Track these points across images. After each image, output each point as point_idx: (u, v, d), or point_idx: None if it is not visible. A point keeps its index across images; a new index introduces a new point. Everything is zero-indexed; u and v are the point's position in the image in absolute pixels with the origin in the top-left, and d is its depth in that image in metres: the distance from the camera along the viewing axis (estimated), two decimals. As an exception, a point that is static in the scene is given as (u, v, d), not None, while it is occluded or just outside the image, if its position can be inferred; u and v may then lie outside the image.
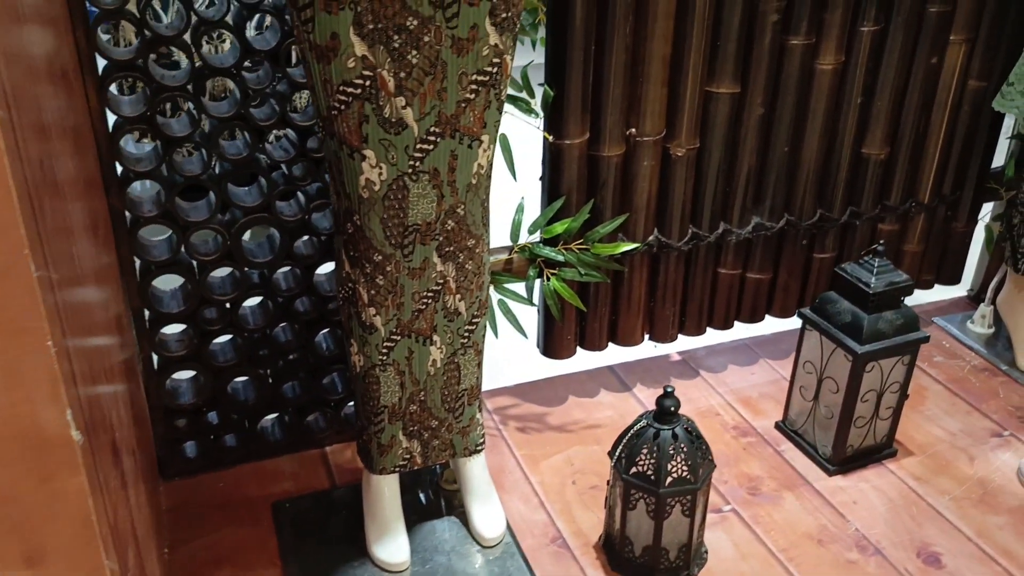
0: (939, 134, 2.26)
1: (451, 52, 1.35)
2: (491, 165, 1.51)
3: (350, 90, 1.33)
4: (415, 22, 1.31)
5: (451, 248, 1.52)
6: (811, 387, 2.00)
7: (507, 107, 1.88)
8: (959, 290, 2.66)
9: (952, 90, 2.21)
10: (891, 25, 2.06)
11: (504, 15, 1.36)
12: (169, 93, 1.58)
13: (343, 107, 1.34)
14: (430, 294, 1.54)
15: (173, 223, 1.70)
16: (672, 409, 1.61)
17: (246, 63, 1.62)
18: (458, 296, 1.57)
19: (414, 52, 1.33)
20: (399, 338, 1.57)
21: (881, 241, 1.96)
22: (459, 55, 1.36)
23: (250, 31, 1.61)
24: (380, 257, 1.48)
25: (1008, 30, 2.19)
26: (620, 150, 1.97)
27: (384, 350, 1.57)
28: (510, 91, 1.89)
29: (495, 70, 1.40)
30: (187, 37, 1.56)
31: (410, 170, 1.41)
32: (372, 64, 1.32)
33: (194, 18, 1.55)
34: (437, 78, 1.36)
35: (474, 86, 1.39)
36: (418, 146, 1.40)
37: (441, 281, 1.54)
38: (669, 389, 1.61)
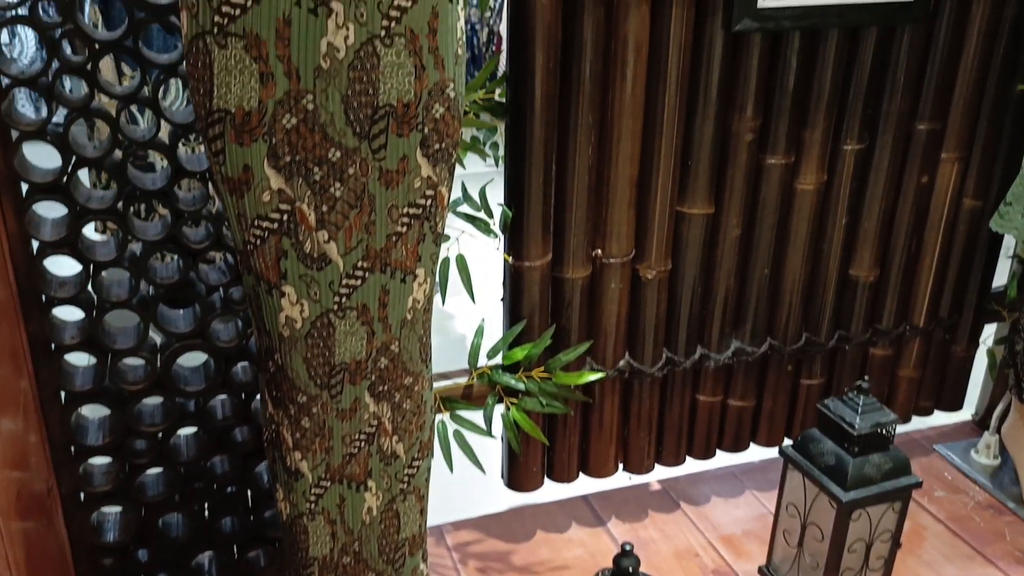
0: (933, 255, 2.13)
1: (379, 184, 1.25)
2: (430, 299, 1.40)
3: (266, 224, 1.23)
4: (338, 154, 1.21)
5: (385, 387, 1.39)
6: (795, 532, 1.82)
7: (465, 227, 1.79)
8: (963, 413, 2.49)
9: (946, 209, 2.09)
10: (876, 143, 1.96)
11: (437, 146, 1.27)
12: (94, 216, 1.49)
13: (259, 242, 1.24)
14: (363, 437, 1.41)
15: (98, 350, 1.58)
16: (631, 570, 1.45)
17: (178, 184, 1.53)
18: (395, 438, 1.44)
19: (337, 185, 1.23)
20: (329, 484, 1.43)
21: (866, 377, 1.81)
22: (388, 188, 1.25)
23: (182, 149, 1.52)
24: (305, 398, 1.35)
25: (1004, 148, 2.09)
26: (586, 272, 1.85)
27: (312, 497, 1.43)
28: (468, 210, 1.80)
29: (428, 203, 1.30)
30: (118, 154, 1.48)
31: (335, 307, 1.30)
32: (290, 198, 1.22)
33: (123, 139, 1.47)
34: (364, 211, 1.26)
35: (405, 219, 1.29)
36: (344, 281, 1.29)
37: (375, 423, 1.41)
38: (627, 547, 1.46)
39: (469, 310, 1.91)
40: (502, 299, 1.88)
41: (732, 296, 1.99)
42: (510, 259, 1.80)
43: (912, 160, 2.01)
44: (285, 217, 1.23)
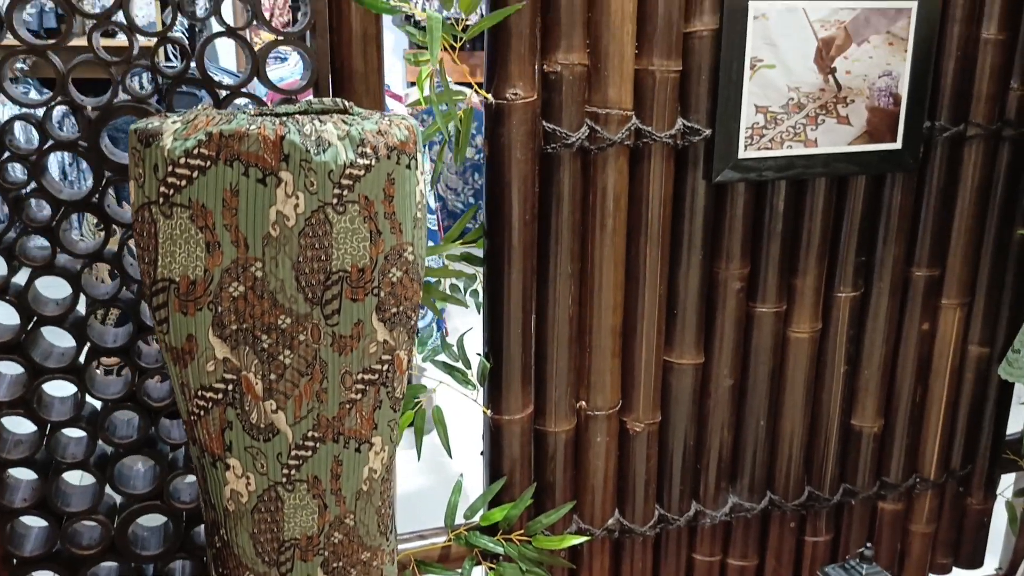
0: (941, 404, 2.03)
1: (332, 351, 1.20)
2: (389, 467, 1.32)
3: (210, 395, 1.17)
4: (288, 320, 1.17)
5: (340, 564, 1.30)
6: None
7: (443, 377, 1.72)
8: (986, 568, 2.32)
9: (951, 357, 2.00)
10: (872, 290, 1.90)
11: (394, 310, 1.22)
12: (52, 375, 1.45)
13: (203, 412, 1.18)
14: (317, 615, 1.31)
15: (50, 513, 1.51)
16: None
17: (140, 341, 1.49)
18: (353, 617, 1.33)
19: (287, 352, 1.18)
20: (280, 669, 1.31)
21: (868, 544, 1.69)
22: (341, 353, 1.20)
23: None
24: (252, 576, 1.26)
25: (1008, 293, 2.01)
26: (569, 425, 1.77)
27: None
28: (446, 359, 1.74)
29: (385, 368, 1.24)
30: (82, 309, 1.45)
31: (284, 479, 1.23)
32: (235, 367, 1.16)
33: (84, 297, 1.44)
34: (315, 379, 1.20)
35: (360, 385, 1.23)
36: (293, 452, 1.22)
37: (330, 601, 1.31)
38: None
39: (447, 464, 1.83)
40: (481, 453, 1.79)
41: (727, 448, 1.89)
42: (489, 412, 1.72)
43: (911, 307, 1.94)
44: (230, 387, 1.17)
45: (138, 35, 1.36)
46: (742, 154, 1.66)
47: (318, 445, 1.23)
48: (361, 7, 1.40)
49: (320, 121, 1.12)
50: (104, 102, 1.37)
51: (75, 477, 1.54)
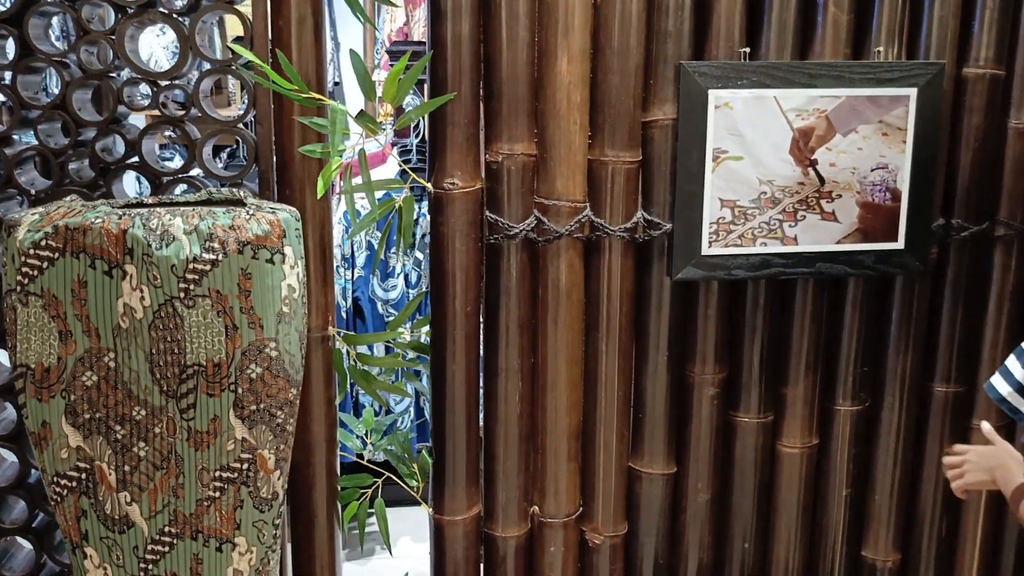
0: (975, 537, 1.76)
1: (188, 445, 1.18)
2: (261, 571, 1.27)
3: (64, 482, 1.18)
4: (143, 412, 1.16)
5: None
6: None
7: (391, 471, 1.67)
8: None
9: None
10: (882, 404, 1.68)
11: (253, 407, 1.19)
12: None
13: (59, 499, 1.19)
14: None
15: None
16: None
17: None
18: None
19: (141, 444, 1.17)
20: None
21: None
22: (197, 449, 1.18)
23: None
24: (116, 667, 1.24)
25: (1060, 416, 1.72)
26: (520, 530, 1.66)
27: None
28: (394, 449, 1.68)
29: (245, 467, 1.20)
30: None
31: (141, 574, 1.21)
32: (89, 456, 1.17)
33: None
34: (171, 473, 1.18)
35: (219, 483, 1.20)
36: (150, 547, 1.20)
37: None
38: None
39: (393, 566, 1.76)
40: (430, 552, 1.71)
41: (706, 570, 1.71)
42: (431, 510, 1.65)
43: (933, 427, 1.70)
44: (84, 476, 1.17)
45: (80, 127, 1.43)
46: (706, 250, 1.53)
47: (176, 541, 1.20)
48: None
49: (171, 215, 1.12)
50: (49, 186, 1.44)
51: None
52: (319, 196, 1.30)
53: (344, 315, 2.77)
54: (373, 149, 3.08)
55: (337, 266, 2.73)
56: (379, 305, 2.76)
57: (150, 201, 1.26)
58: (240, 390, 1.18)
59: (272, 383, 1.20)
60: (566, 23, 1.46)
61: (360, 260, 2.68)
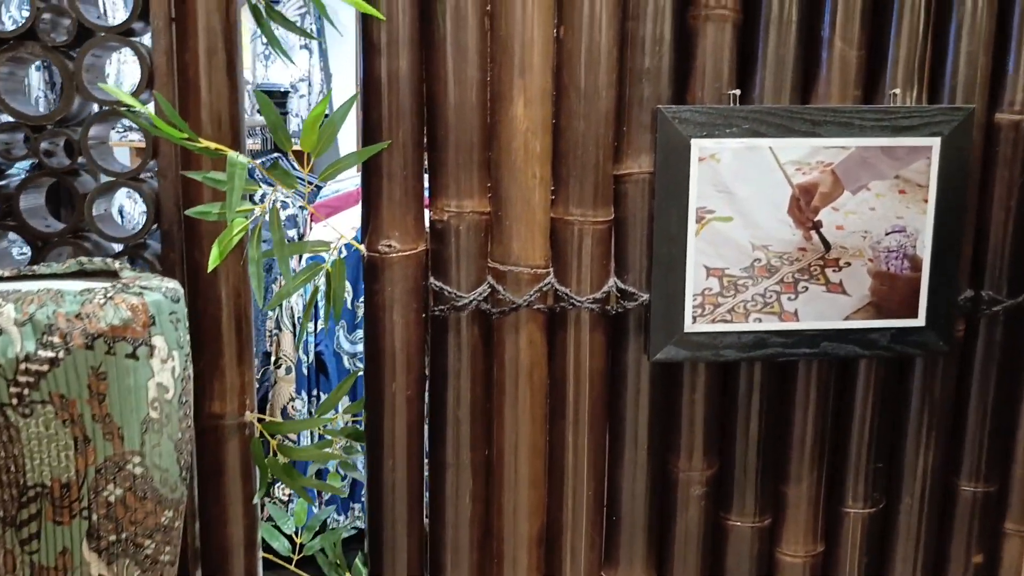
0: (1011, 662, 1.49)
1: (29, 583, 0.94)
2: None
3: None
4: (-28, 542, 0.92)
5: None
6: None
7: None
8: None
9: (1023, 599, 1.48)
10: (898, 507, 1.43)
11: (113, 537, 0.95)
12: None
13: None
14: None
15: None
16: None
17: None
18: None
19: (-30, 583, 0.93)
20: None
21: None
22: (42, 588, 0.94)
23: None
24: None
25: (1109, 518, 1.47)
26: (473, 652, 1.41)
27: None
28: (328, 555, 1.44)
29: (103, 610, 0.96)
30: None
31: None
32: (-99, 597, 0.93)
33: None
34: (8, 617, 0.94)
35: (70, 629, 0.96)
36: None
37: None
38: None
39: None
40: (369, 673, 1.46)
41: None
42: (368, 636, 1.40)
43: (959, 531, 1.45)
44: None
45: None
46: (690, 327, 1.29)
47: None
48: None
49: (2, 300, 0.89)
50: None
51: None
52: (210, 268, 1.07)
53: (306, 371, 2.54)
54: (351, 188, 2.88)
55: (298, 316, 2.51)
56: (345, 359, 2.53)
57: (6, 274, 1.04)
58: (95, 516, 0.94)
59: (137, 506, 0.96)
60: (523, 60, 1.23)
61: (324, 310, 2.46)
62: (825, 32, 1.26)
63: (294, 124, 4.71)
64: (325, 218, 3.11)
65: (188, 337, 1.02)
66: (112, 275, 1.05)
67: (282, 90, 4.25)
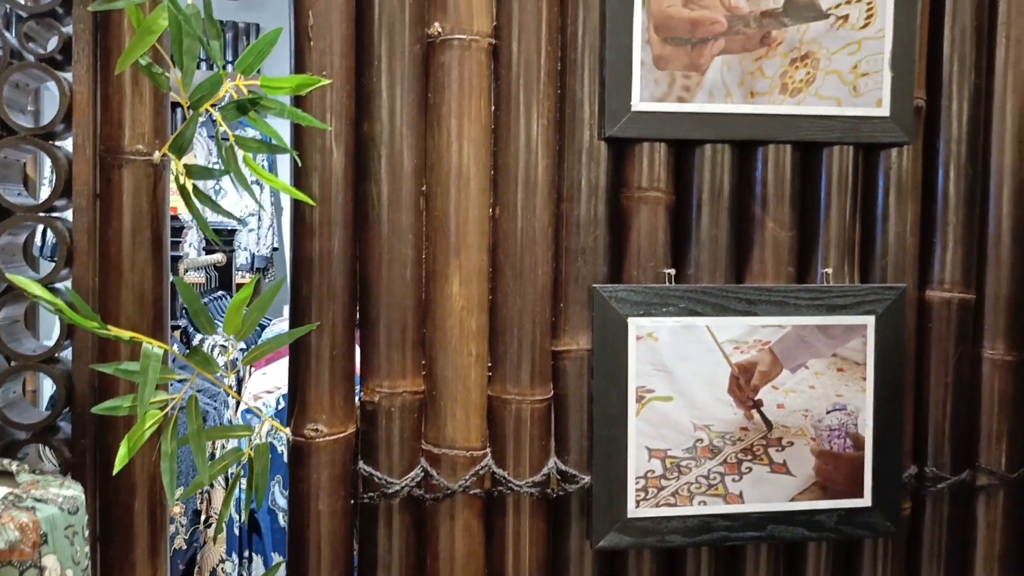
0: None
1: None
2: None
3: None
4: None
5: None
6: None
7: None
8: None
9: None
10: None
11: None
12: None
13: None
14: None
15: None
16: None
17: None
18: None
19: None
20: None
21: None
22: None
23: None
24: None
25: None
26: None
27: None
28: None
29: None
30: None
31: None
32: None
33: None
34: None
35: None
36: None
37: None
38: None
39: None
40: None
41: None
42: None
43: None
44: None
45: None
46: (633, 512, 1.24)
47: None
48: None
49: None
50: None
51: None
52: (116, 469, 0.99)
53: (237, 531, 2.40)
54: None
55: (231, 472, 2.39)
56: (280, 517, 2.40)
57: None
58: None
59: None
60: (459, 239, 1.22)
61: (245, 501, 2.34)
62: (757, 212, 1.28)
63: (242, 258, 4.68)
64: (265, 364, 3.02)
65: (87, 549, 0.93)
66: (7, 476, 0.97)
67: (229, 228, 4.24)
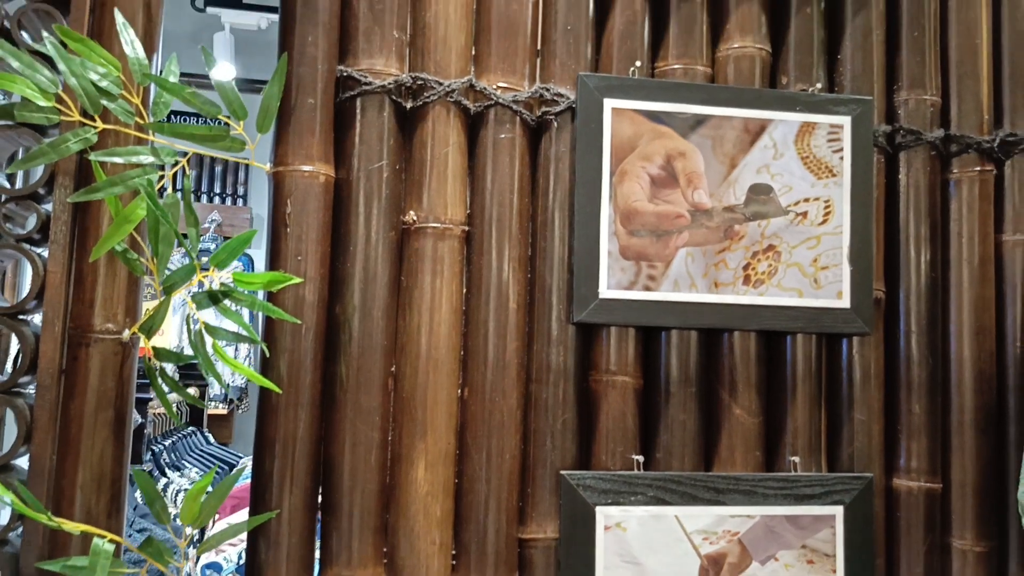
0: None
1: None
2: None
3: None
4: None
5: None
6: None
7: None
8: None
9: None
10: None
11: None
12: None
13: None
14: None
15: None
16: None
17: None
18: None
19: None
20: None
21: None
22: None
23: None
24: None
25: None
26: None
27: None
28: None
29: None
30: None
31: None
32: None
33: None
34: None
35: None
36: None
37: None
38: None
39: None
40: None
41: None
42: None
43: None
44: None
45: None
46: None
47: None
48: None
49: None
50: None
51: None
52: None
53: None
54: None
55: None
56: None
57: None
58: None
59: None
60: (426, 421, 1.22)
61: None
62: (724, 398, 1.29)
63: (216, 388, 4.62)
64: (230, 512, 2.94)
65: None
66: None
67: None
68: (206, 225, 4.36)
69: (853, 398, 1.32)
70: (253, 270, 4.37)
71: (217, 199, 4.76)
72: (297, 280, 1.06)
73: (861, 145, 1.31)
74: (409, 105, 1.26)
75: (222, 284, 1.04)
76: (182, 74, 1.15)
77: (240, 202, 4.77)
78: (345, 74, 1.24)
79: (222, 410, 4.47)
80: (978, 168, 1.38)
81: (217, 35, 3.95)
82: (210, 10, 3.74)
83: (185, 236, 1.07)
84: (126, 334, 1.18)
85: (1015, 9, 1.43)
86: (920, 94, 1.38)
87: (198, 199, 4.69)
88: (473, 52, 1.29)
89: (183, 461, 3.29)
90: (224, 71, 4.12)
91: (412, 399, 1.22)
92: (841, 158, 1.31)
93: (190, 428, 3.90)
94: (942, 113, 1.40)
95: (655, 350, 1.29)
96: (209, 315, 1.09)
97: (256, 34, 3.86)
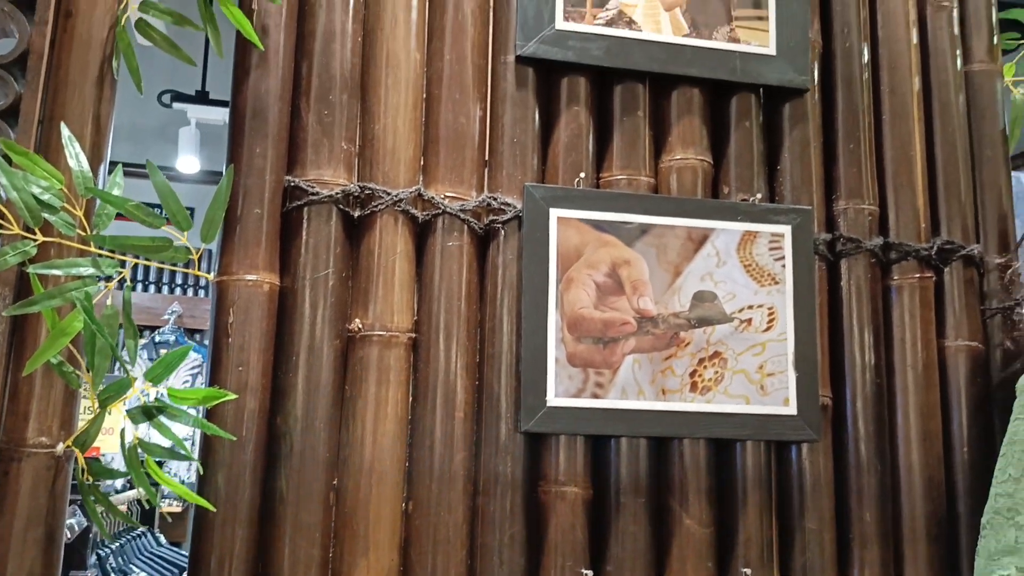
0: None
1: None
2: None
3: None
4: None
5: None
6: None
7: None
8: None
9: None
10: None
11: None
12: None
13: None
14: None
15: None
16: None
17: None
18: None
19: None
20: None
21: None
22: None
23: None
24: None
25: None
26: None
27: None
28: None
29: None
30: None
31: None
32: None
33: None
34: None
35: None
36: None
37: None
38: None
39: None
40: None
41: None
42: None
43: None
44: None
45: None
46: None
47: None
48: None
49: None
50: None
51: None
52: None
53: None
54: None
55: None
56: None
57: None
58: None
59: None
60: (368, 537, 1.20)
61: None
62: (675, 508, 1.27)
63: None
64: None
65: None
66: None
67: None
68: (166, 316, 4.32)
69: (804, 506, 1.31)
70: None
71: (178, 290, 4.73)
72: (232, 396, 1.05)
73: (802, 253, 1.34)
74: (357, 214, 1.26)
75: (157, 399, 1.02)
76: (149, 166, 1.14)
77: (201, 293, 4.74)
78: (293, 184, 1.25)
79: (176, 508, 4.32)
80: (918, 275, 1.41)
81: (183, 129, 4.01)
82: (176, 106, 3.80)
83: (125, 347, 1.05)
84: (60, 447, 1.14)
85: (947, 122, 1.49)
86: (858, 203, 1.42)
87: (159, 289, 4.66)
88: (422, 163, 1.31)
89: (131, 564, 3.16)
90: (189, 164, 4.17)
91: (354, 514, 1.19)
92: (783, 266, 1.33)
93: (141, 529, 3.76)
94: (880, 221, 1.43)
95: (604, 459, 1.28)
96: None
97: (221, 128, 3.92)
